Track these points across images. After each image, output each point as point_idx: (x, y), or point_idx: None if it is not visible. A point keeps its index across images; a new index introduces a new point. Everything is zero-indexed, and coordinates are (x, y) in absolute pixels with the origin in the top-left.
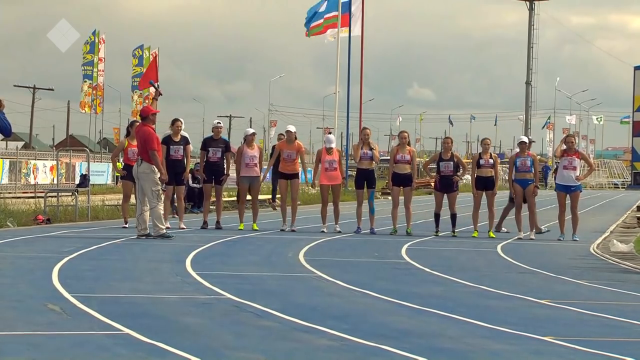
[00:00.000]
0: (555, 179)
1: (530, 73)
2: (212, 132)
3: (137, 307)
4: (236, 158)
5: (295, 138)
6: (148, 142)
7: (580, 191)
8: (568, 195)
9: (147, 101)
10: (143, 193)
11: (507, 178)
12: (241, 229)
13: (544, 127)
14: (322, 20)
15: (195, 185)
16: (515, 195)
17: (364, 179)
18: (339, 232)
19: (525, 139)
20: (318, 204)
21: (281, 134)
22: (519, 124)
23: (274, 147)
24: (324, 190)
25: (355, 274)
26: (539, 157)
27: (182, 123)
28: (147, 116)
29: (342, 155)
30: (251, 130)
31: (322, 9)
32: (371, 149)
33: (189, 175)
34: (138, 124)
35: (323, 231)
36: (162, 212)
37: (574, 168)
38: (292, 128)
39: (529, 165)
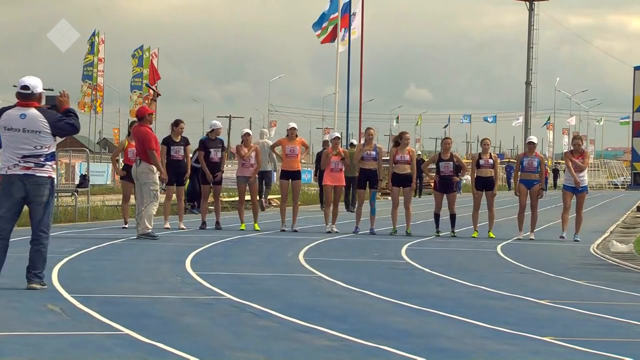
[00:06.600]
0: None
1: (530, 73)
2: (211, 133)
3: (137, 307)
4: (236, 157)
5: (296, 136)
6: (146, 141)
7: (587, 192)
8: (574, 195)
9: (146, 101)
10: (142, 193)
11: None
12: (242, 229)
13: (543, 126)
14: (326, 23)
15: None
16: (519, 195)
17: (366, 179)
18: (336, 232)
19: (534, 139)
20: (318, 204)
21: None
22: (518, 125)
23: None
24: (328, 191)
25: (355, 274)
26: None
27: (184, 124)
28: (143, 116)
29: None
30: (245, 130)
31: (326, 9)
32: (375, 149)
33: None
34: (135, 124)
35: (329, 231)
36: (154, 212)
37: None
38: (293, 125)
39: (536, 165)
